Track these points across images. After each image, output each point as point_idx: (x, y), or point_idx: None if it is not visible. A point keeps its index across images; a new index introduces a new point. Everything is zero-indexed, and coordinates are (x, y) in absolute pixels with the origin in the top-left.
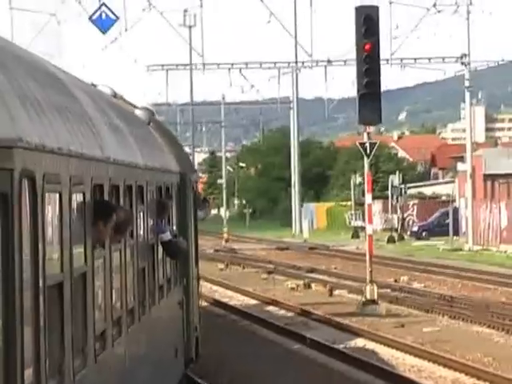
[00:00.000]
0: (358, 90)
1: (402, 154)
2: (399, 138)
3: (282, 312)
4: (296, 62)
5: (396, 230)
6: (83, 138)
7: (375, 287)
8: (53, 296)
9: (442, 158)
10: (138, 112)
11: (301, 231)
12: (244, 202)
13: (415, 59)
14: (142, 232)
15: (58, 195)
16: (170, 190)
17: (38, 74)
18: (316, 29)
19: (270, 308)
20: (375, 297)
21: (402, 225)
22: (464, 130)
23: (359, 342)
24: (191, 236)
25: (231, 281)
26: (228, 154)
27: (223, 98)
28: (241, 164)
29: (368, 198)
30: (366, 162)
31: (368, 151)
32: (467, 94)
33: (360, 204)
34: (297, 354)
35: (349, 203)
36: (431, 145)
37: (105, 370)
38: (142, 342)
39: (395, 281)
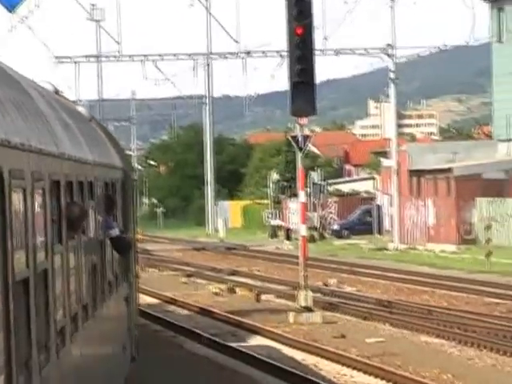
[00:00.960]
0: (291, 78)
1: (313, 150)
2: None
3: (208, 320)
4: (210, 53)
5: (316, 229)
6: (40, 135)
7: (310, 293)
8: (19, 291)
9: (356, 154)
10: (79, 109)
11: (216, 230)
12: (155, 201)
13: (336, 50)
14: (93, 228)
15: (22, 191)
16: (115, 186)
17: None
18: (242, 14)
19: (195, 316)
20: (310, 303)
21: (323, 223)
22: (373, 127)
23: (297, 355)
24: (133, 232)
25: (148, 285)
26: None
27: (133, 94)
28: (151, 162)
29: (301, 195)
30: (300, 156)
31: (302, 145)
32: (392, 86)
33: (277, 202)
34: (227, 369)
35: (265, 201)
36: (342, 141)
37: (65, 365)
38: (95, 338)
39: (325, 284)
